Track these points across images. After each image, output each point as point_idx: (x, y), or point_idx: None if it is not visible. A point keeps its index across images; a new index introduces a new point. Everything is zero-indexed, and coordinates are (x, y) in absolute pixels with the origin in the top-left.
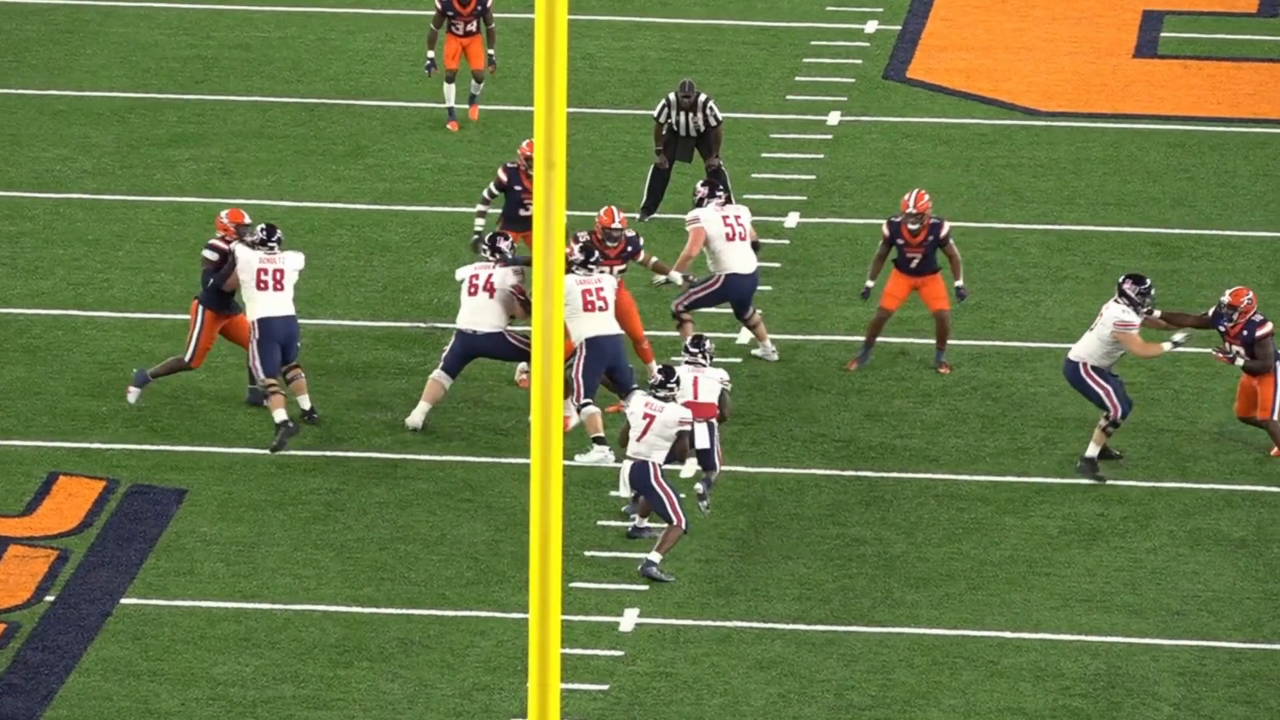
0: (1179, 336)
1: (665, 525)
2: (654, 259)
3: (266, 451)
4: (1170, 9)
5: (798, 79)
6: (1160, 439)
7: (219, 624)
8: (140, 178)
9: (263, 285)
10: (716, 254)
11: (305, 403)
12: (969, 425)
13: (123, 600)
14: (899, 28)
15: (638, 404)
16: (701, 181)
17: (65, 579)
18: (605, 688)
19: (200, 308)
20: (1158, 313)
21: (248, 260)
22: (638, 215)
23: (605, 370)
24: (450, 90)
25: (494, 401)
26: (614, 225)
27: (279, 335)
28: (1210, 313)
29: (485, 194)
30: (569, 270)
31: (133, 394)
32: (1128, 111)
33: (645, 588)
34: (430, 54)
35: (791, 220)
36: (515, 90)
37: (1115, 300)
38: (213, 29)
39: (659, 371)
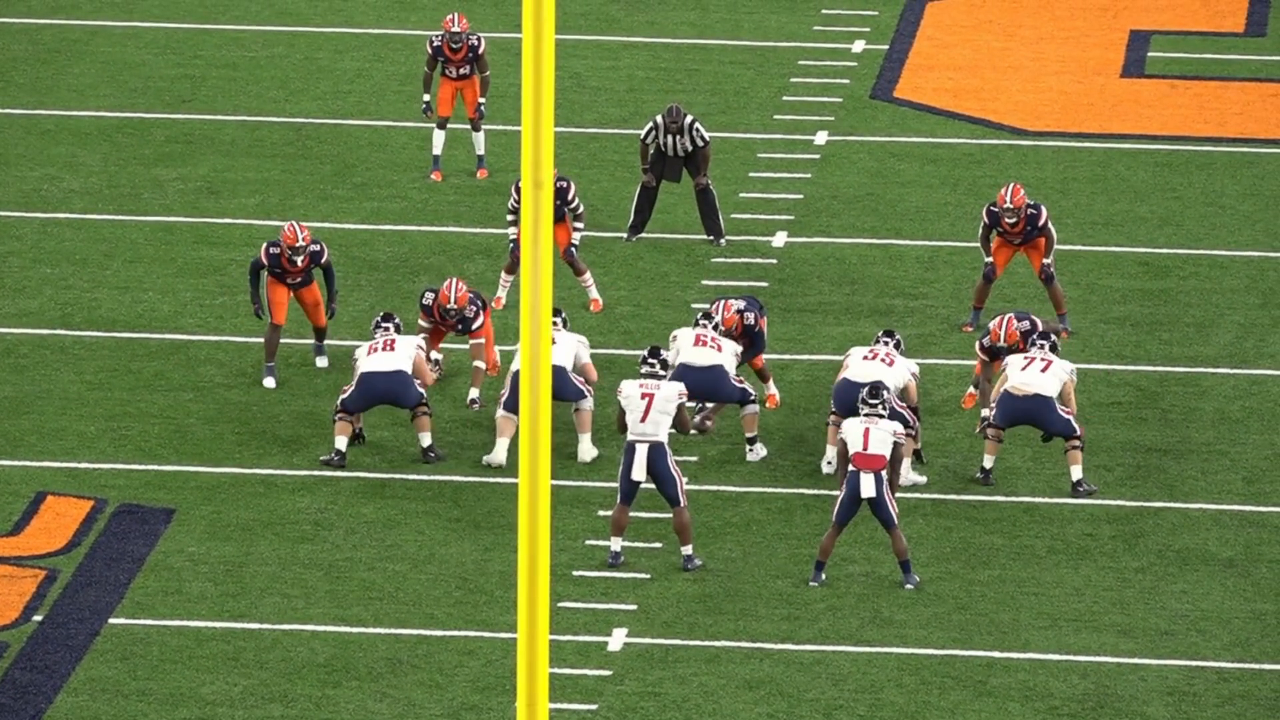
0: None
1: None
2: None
3: (254, 471)
4: (1157, 29)
5: (785, 98)
6: (1148, 459)
7: (207, 644)
8: (128, 197)
9: (373, 350)
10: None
11: (425, 440)
12: (956, 445)
13: (111, 620)
14: (886, 47)
15: (632, 389)
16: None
17: (53, 599)
18: (594, 707)
19: (261, 273)
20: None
21: (363, 351)
22: (625, 235)
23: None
24: (439, 138)
25: (483, 421)
26: (450, 305)
27: (379, 388)
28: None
29: (511, 205)
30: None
31: (269, 382)
32: (1115, 131)
33: (633, 607)
34: (426, 97)
35: (779, 240)
36: (503, 110)
37: (1044, 350)
38: (200, 48)
39: (648, 352)
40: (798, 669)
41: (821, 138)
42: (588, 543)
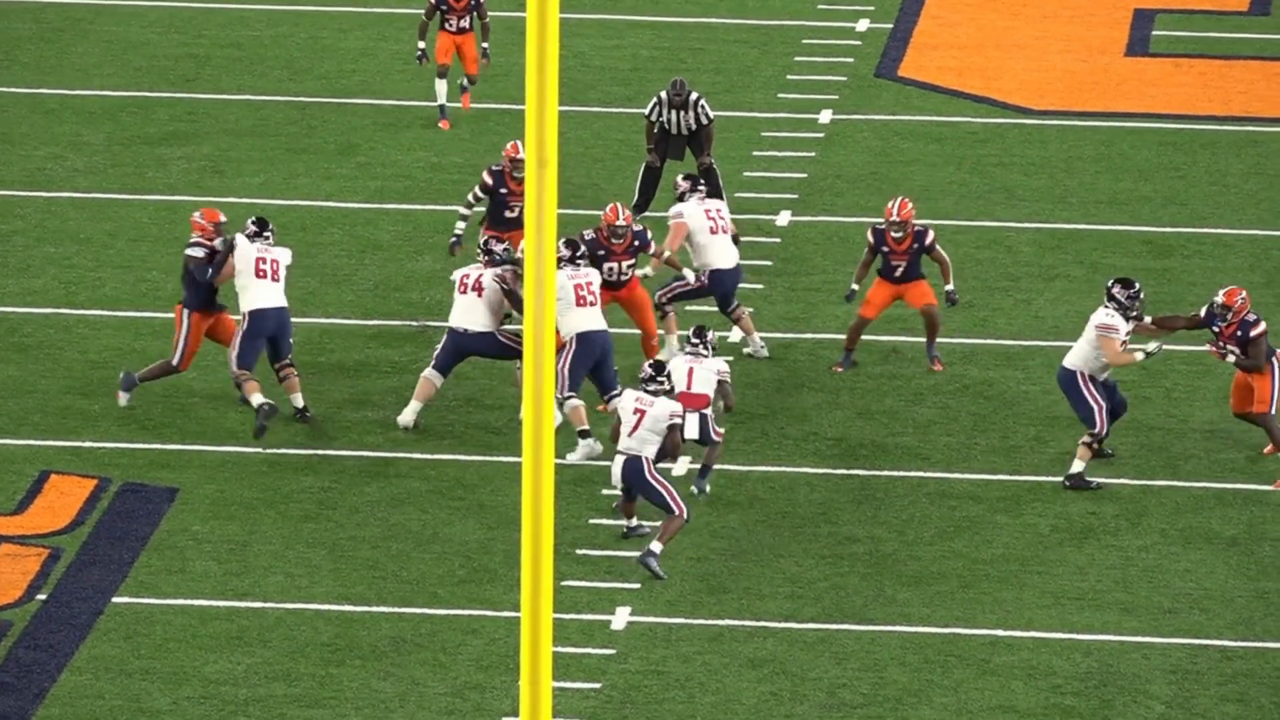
0: (1151, 347)
1: (664, 519)
2: (666, 252)
3: (258, 450)
4: (1162, 7)
5: (789, 77)
6: (1151, 437)
7: (211, 623)
8: (132, 176)
9: (261, 274)
10: (699, 248)
11: (298, 401)
12: (960, 424)
13: (114, 599)
14: (890, 26)
15: (628, 400)
16: (682, 175)
17: (57, 577)
18: (597, 686)
19: (185, 311)
20: (1148, 318)
21: (246, 250)
22: (630, 213)
23: (591, 367)
24: (441, 87)
25: (486, 400)
26: (618, 222)
27: (270, 327)
28: (1203, 313)
29: (470, 197)
30: (558, 266)
31: (122, 398)
32: (1119, 110)
33: (637, 586)
34: (421, 44)
35: (783, 219)
36: (507, 88)
37: (1104, 304)
38: (204, 27)
39: (649, 366)
40: (801, 648)
41: (826, 116)
42: (591, 521)
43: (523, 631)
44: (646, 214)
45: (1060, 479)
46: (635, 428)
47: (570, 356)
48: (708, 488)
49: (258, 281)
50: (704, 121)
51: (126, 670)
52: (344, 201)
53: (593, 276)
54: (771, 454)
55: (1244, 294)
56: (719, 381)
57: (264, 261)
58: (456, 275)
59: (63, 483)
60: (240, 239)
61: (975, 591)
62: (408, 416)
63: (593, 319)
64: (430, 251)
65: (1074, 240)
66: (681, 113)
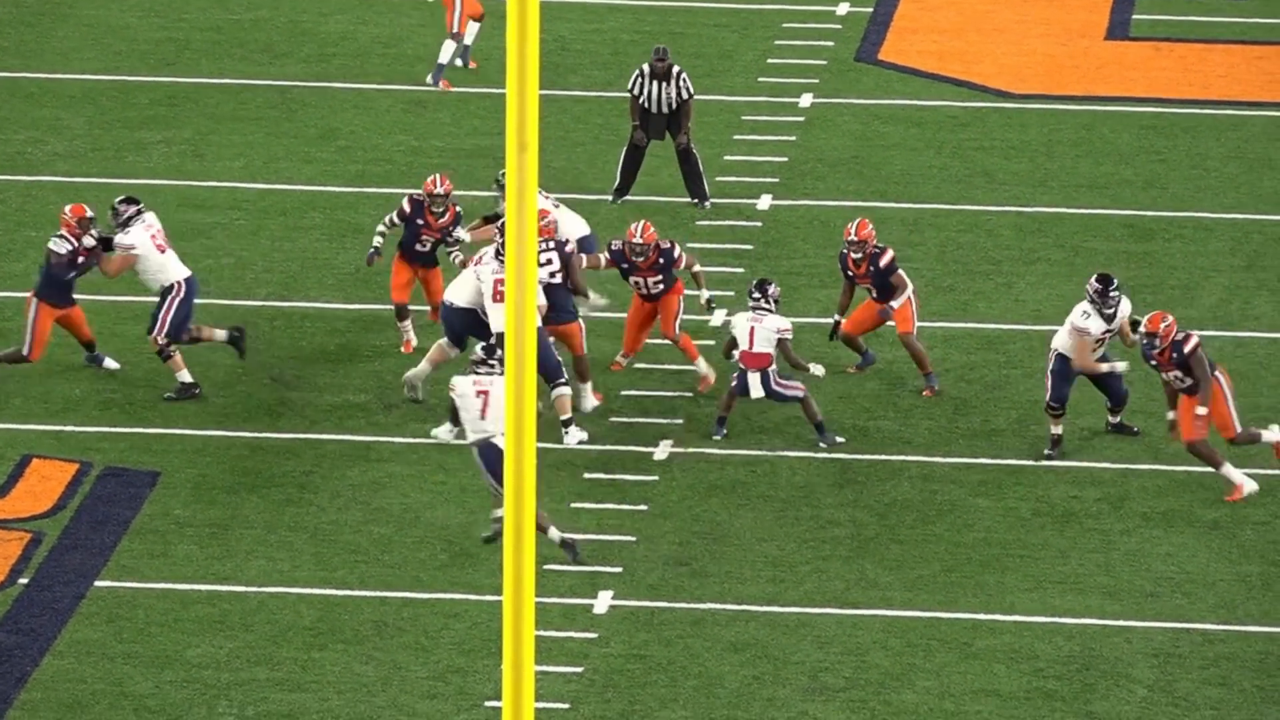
0: (1120, 367)
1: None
2: (696, 266)
3: (240, 434)
4: None
5: (770, 61)
6: (1133, 420)
7: (193, 606)
8: (112, 160)
9: (161, 249)
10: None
11: (221, 334)
12: (942, 407)
13: (96, 583)
14: (871, 10)
15: (466, 385)
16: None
17: (39, 561)
18: (579, 670)
19: (35, 300)
20: (1135, 323)
21: (141, 239)
22: (610, 197)
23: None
24: (449, 48)
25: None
26: (635, 240)
27: (195, 291)
28: (1140, 348)
29: (387, 220)
30: (494, 258)
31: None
32: (1100, 94)
33: (619, 570)
34: None
35: (764, 202)
36: (488, 72)
37: (1082, 301)
38: (184, 11)
39: (482, 349)
40: (783, 631)
41: (806, 100)
42: (573, 505)
43: (505, 615)
44: (627, 198)
45: (1041, 463)
46: (484, 410)
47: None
48: (838, 438)
49: (164, 256)
50: (684, 96)
51: (108, 654)
52: (325, 185)
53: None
54: (753, 438)
55: (1169, 318)
56: (779, 340)
57: (157, 237)
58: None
59: (44, 467)
60: (132, 235)
61: (957, 575)
62: (417, 373)
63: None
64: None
65: (1055, 224)
66: (664, 84)
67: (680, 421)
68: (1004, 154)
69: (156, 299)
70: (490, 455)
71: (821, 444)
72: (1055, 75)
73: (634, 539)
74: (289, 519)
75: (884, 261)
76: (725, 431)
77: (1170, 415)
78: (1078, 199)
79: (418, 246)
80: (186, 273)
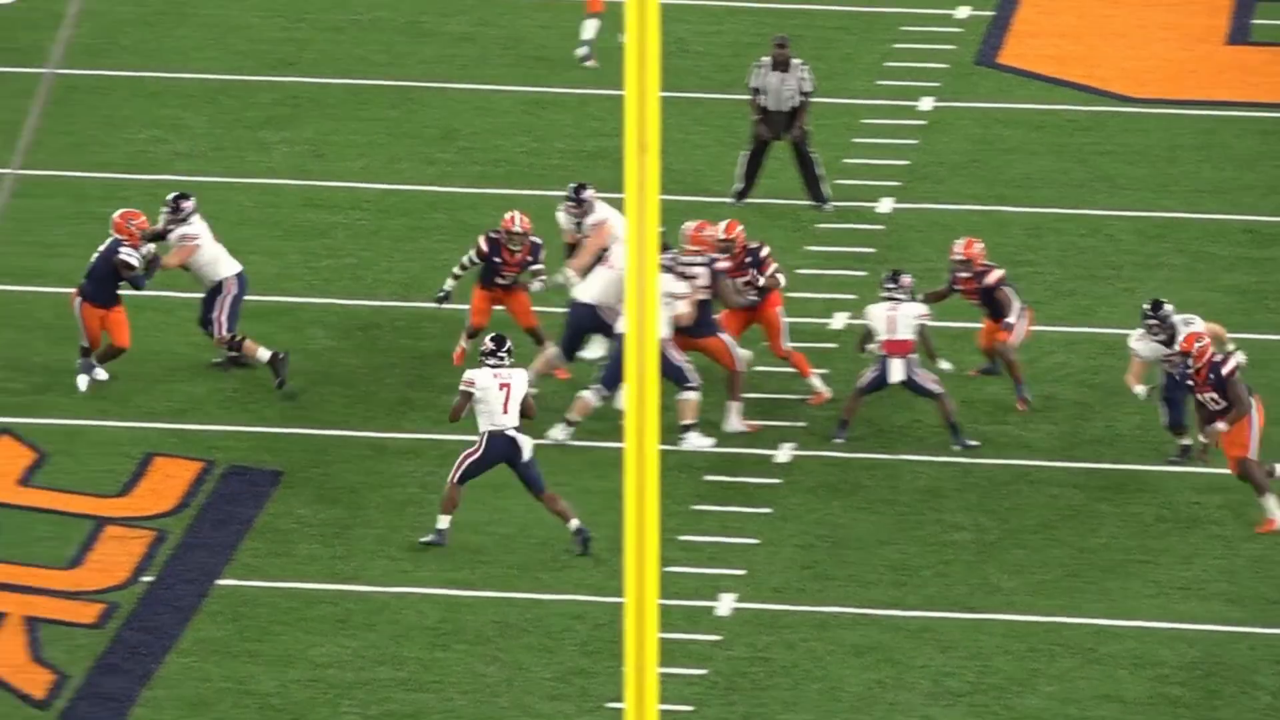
0: (1140, 391)
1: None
2: (779, 276)
3: (362, 434)
4: None
5: (889, 64)
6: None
7: (316, 605)
8: (233, 159)
9: (218, 239)
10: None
11: (264, 354)
12: (1064, 412)
13: (219, 581)
14: (991, 13)
15: (486, 378)
16: (573, 185)
17: (163, 560)
18: (703, 672)
19: (78, 300)
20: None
21: (200, 231)
22: (731, 199)
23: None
24: (592, 25)
25: (588, 385)
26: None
27: (247, 288)
28: (1178, 372)
29: (464, 260)
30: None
31: (82, 382)
32: (1220, 98)
33: (743, 572)
34: None
35: (885, 205)
36: (607, 74)
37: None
38: (305, 10)
39: (491, 340)
40: (905, 635)
41: (927, 104)
42: (694, 507)
43: (627, 617)
44: (749, 200)
45: (1163, 468)
46: (506, 404)
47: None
48: (971, 441)
49: (217, 245)
50: (806, 89)
51: (232, 652)
52: (446, 186)
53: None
54: (875, 441)
55: (1204, 339)
56: (920, 326)
57: (210, 228)
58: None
59: (167, 465)
60: (193, 226)
61: (1080, 580)
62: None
63: None
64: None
65: (1175, 229)
66: (783, 73)
67: (803, 424)
68: (1125, 159)
69: (202, 295)
70: (501, 446)
71: (955, 445)
72: (1176, 79)
73: (757, 541)
74: (411, 519)
75: (990, 280)
76: (846, 435)
77: (1201, 438)
78: (1199, 204)
79: (498, 280)
80: (238, 268)
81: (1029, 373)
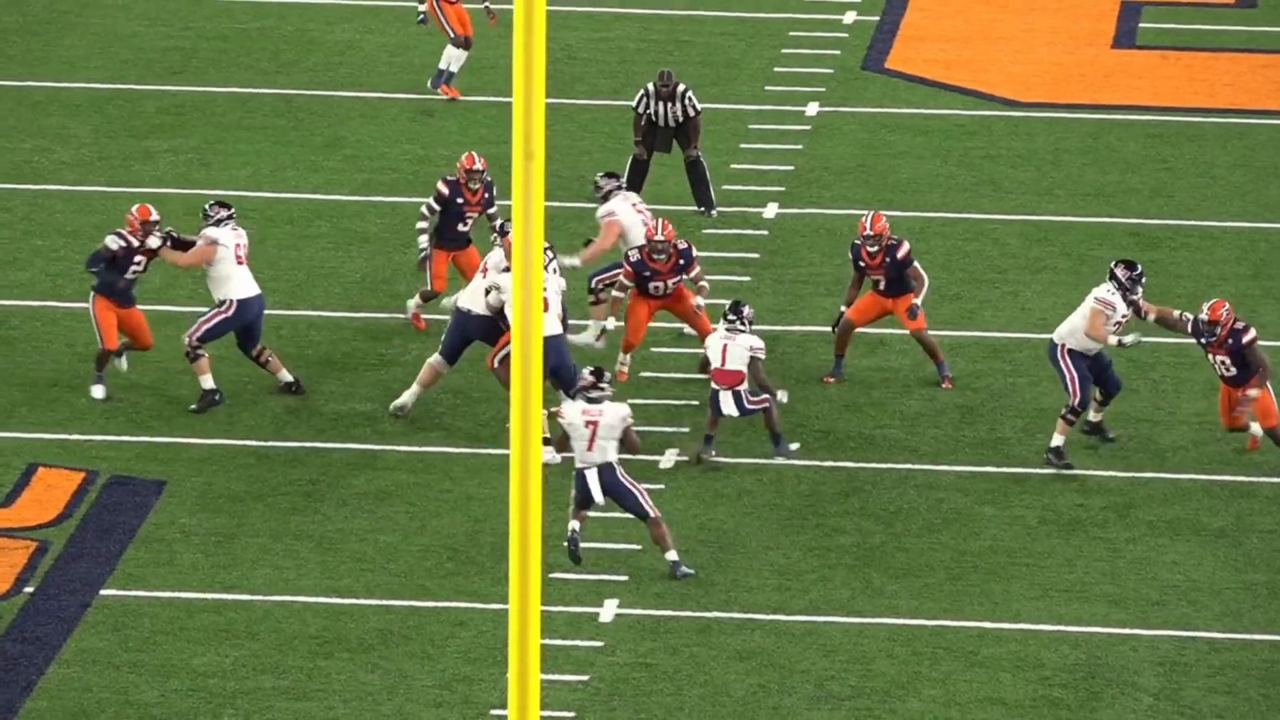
0: (1129, 339)
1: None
2: (701, 281)
3: (246, 443)
4: (1148, 0)
5: (776, 70)
6: (1139, 429)
7: (198, 615)
8: (118, 169)
9: (240, 260)
10: (632, 242)
11: (287, 376)
12: (948, 416)
13: (102, 591)
14: (877, 18)
15: (574, 413)
16: (602, 174)
17: (44, 570)
18: (585, 678)
19: (92, 294)
20: (1152, 315)
21: (226, 238)
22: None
23: (549, 371)
24: (456, 54)
25: (473, 392)
26: (657, 238)
27: (251, 315)
28: (1189, 328)
29: (424, 211)
30: (506, 270)
31: (98, 390)
32: (1106, 102)
33: (625, 578)
34: (421, 7)
35: (770, 211)
36: (494, 81)
37: (1106, 282)
38: (191, 19)
39: (590, 373)
40: (789, 640)
41: (813, 109)
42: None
43: (511, 624)
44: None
45: (1047, 471)
46: (591, 440)
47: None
48: (793, 445)
49: (239, 269)
50: (691, 113)
51: (114, 663)
52: (331, 194)
53: (550, 283)
54: (759, 447)
55: (1227, 306)
56: (752, 359)
57: (240, 248)
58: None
59: (50, 475)
60: (217, 231)
61: (963, 584)
62: (405, 399)
63: (544, 325)
64: (418, 244)
65: (1061, 232)
66: (669, 104)
67: (686, 430)
68: (1010, 162)
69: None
70: (609, 477)
71: (777, 455)
72: (1062, 84)
73: (639, 547)
74: (295, 527)
75: (901, 253)
76: (714, 451)
77: (1239, 407)
78: (1084, 207)
79: (460, 226)
80: (247, 294)
81: (917, 375)
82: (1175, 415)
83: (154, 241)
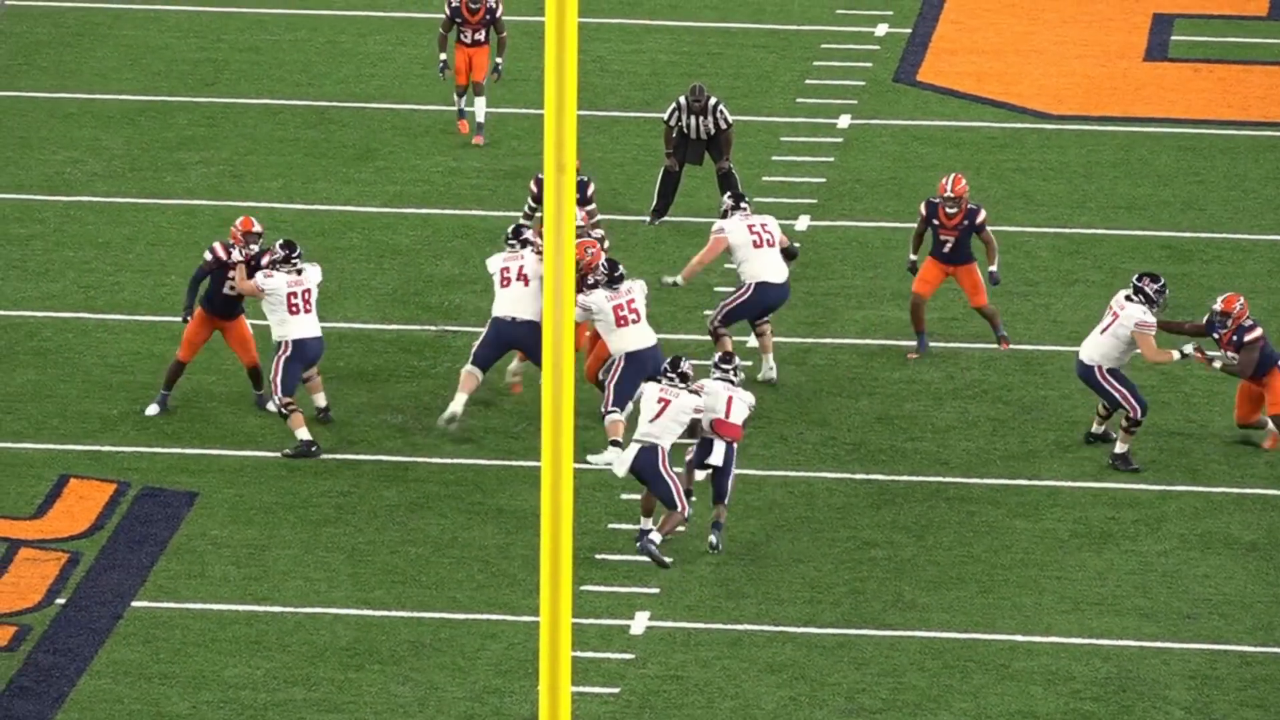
0: (1189, 348)
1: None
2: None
3: (277, 455)
4: (1181, 12)
5: (808, 82)
6: (1171, 442)
7: (230, 627)
8: (150, 180)
9: (294, 309)
10: (744, 263)
11: (321, 400)
12: (980, 428)
13: (133, 603)
14: (909, 31)
15: (651, 391)
16: (728, 194)
17: (76, 582)
18: (616, 691)
19: (199, 309)
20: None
21: (276, 288)
22: (648, 219)
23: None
24: (460, 98)
25: (504, 404)
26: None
27: (311, 355)
28: (1204, 320)
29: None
30: (593, 287)
31: (153, 409)
32: (1138, 115)
33: (656, 591)
34: (442, 56)
35: (802, 223)
36: (525, 93)
37: (1129, 298)
38: (223, 32)
39: (668, 362)
40: (820, 652)
41: (844, 121)
42: (610, 526)
43: (542, 636)
44: (665, 219)
45: (1079, 484)
46: (658, 415)
47: (618, 374)
48: (720, 544)
49: (292, 317)
50: (723, 126)
51: (145, 674)
52: (362, 206)
53: (636, 294)
54: (790, 459)
55: (1241, 300)
56: (745, 415)
57: (295, 296)
58: (494, 267)
59: (82, 487)
60: (269, 281)
61: (994, 596)
62: (455, 408)
63: (638, 337)
64: (449, 256)
65: (1093, 245)
66: (700, 118)
67: None
68: (1042, 175)
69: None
70: (646, 459)
71: (711, 538)
72: (1094, 96)
73: (671, 559)
74: (326, 539)
75: (980, 219)
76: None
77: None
78: (1116, 220)
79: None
80: (307, 335)
81: (949, 387)
82: (1207, 428)
83: (238, 256)
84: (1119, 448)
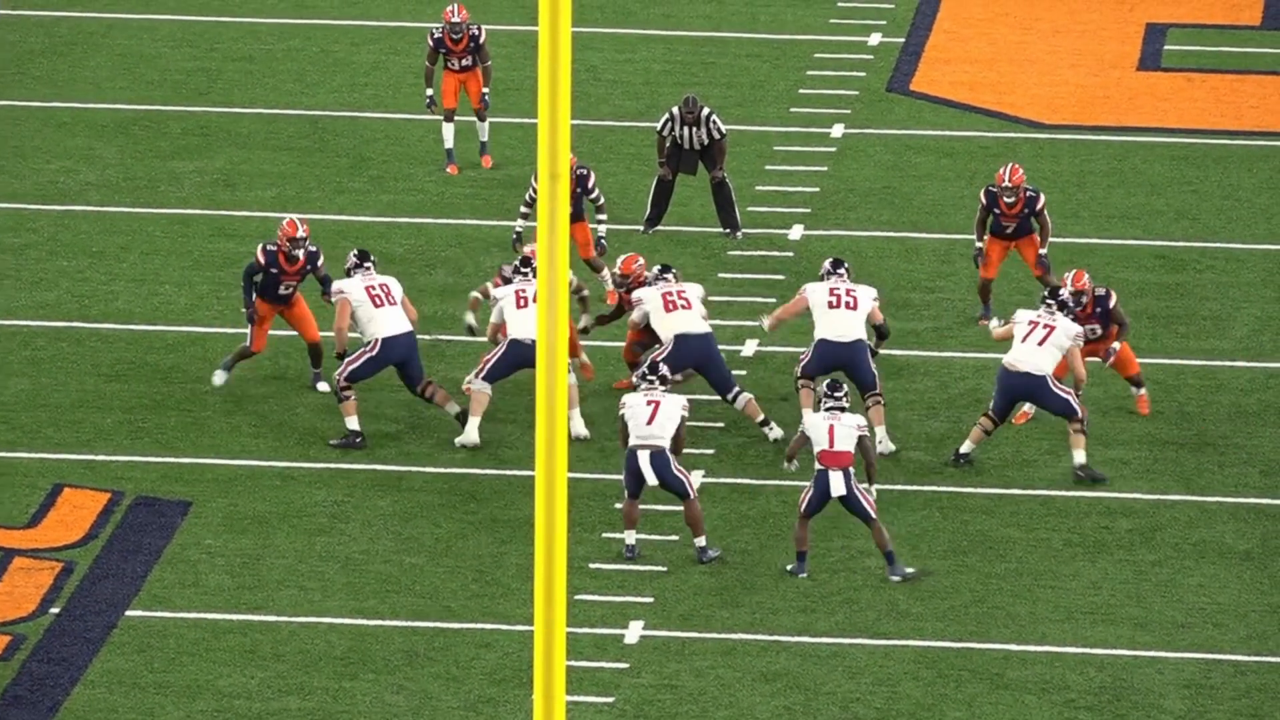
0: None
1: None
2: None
3: (271, 463)
4: (1174, 22)
5: (801, 91)
6: (1164, 452)
7: (224, 636)
8: (144, 190)
9: (378, 301)
10: (814, 320)
11: (453, 408)
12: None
13: (127, 612)
14: (902, 40)
15: (636, 399)
16: (829, 260)
17: (70, 591)
18: (610, 700)
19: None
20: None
21: (353, 287)
22: (642, 228)
23: (696, 368)
24: (449, 131)
25: (497, 414)
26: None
27: (399, 354)
28: (1057, 302)
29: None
30: (648, 283)
31: (219, 377)
32: (1131, 124)
33: (650, 600)
34: (429, 91)
35: (795, 233)
36: (518, 102)
37: (1053, 311)
38: (216, 41)
39: (646, 365)
40: (814, 662)
41: (838, 131)
42: (604, 535)
43: (536, 645)
44: (659, 228)
45: (1072, 493)
46: (653, 417)
47: (667, 352)
48: (907, 570)
49: (378, 310)
50: (716, 136)
51: (139, 684)
52: (356, 215)
53: (688, 289)
54: (784, 469)
55: (1086, 275)
56: (859, 437)
57: (373, 288)
58: (506, 293)
59: (76, 496)
60: (346, 285)
61: (988, 606)
62: (471, 435)
63: (688, 321)
64: (442, 265)
65: (1086, 255)
66: (694, 129)
67: (711, 452)
68: (1036, 184)
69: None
70: (660, 461)
71: (892, 576)
72: (1087, 106)
73: (665, 569)
74: (320, 549)
75: (1040, 205)
76: (805, 569)
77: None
78: (1109, 229)
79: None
80: (393, 331)
81: (943, 397)
82: (1201, 438)
83: (299, 253)
84: (1079, 457)
